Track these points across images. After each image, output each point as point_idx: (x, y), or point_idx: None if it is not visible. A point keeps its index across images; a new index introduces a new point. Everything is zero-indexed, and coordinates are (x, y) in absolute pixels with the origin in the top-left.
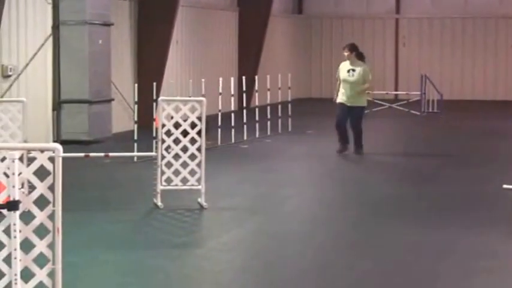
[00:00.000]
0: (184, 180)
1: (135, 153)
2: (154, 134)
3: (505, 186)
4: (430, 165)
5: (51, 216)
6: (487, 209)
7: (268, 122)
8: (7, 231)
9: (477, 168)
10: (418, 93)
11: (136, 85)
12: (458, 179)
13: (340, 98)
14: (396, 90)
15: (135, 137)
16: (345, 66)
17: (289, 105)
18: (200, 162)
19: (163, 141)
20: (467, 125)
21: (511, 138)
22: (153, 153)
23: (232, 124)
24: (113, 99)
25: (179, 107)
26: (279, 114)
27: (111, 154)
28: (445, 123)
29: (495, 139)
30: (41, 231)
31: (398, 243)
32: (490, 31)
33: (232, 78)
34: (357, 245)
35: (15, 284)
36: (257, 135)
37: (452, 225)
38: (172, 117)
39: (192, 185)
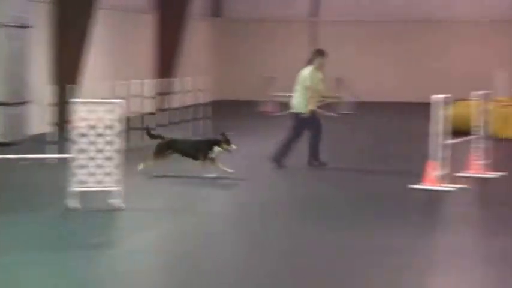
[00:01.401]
0: (101, 182)
1: (50, 155)
2: (70, 136)
3: (411, 185)
4: (340, 165)
5: None
6: (394, 208)
7: (187, 124)
8: None
9: (386, 168)
10: (334, 95)
11: (52, 87)
12: (367, 179)
13: (313, 106)
14: None
15: (51, 139)
16: (316, 75)
17: (207, 108)
18: (116, 163)
19: (78, 142)
20: (380, 126)
21: (420, 139)
22: (69, 155)
23: (151, 126)
24: (30, 101)
25: (95, 109)
26: (198, 116)
27: (26, 156)
28: (360, 125)
29: (406, 139)
30: None
31: (309, 242)
32: (405, 34)
33: (150, 81)
34: (273, 243)
35: None
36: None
37: (362, 225)
38: (89, 120)
39: (109, 186)
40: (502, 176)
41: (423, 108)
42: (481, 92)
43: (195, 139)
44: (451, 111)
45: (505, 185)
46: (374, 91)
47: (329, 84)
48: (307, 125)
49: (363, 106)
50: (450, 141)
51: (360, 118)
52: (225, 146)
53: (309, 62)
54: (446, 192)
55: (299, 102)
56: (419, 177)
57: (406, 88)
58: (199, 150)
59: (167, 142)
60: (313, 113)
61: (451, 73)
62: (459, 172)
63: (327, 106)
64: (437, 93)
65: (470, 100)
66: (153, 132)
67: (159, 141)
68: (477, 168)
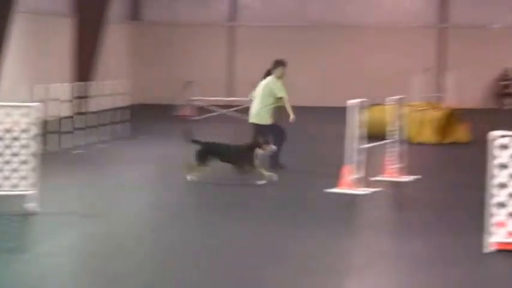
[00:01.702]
0: (16, 186)
1: None
2: None
3: (327, 190)
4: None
5: None
6: (312, 213)
7: (105, 128)
8: None
9: (303, 173)
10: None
11: None
12: (287, 184)
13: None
14: (231, 96)
15: None
16: (281, 84)
17: (125, 111)
18: (32, 167)
19: None
20: (299, 131)
21: (337, 143)
22: None
23: (68, 129)
24: None
25: (11, 112)
26: (116, 119)
27: None
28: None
29: (323, 143)
30: None
31: (228, 245)
32: (325, 39)
33: (68, 84)
34: (191, 245)
35: None
36: (93, 140)
37: (277, 229)
38: (5, 123)
39: (24, 190)
40: (416, 179)
41: (342, 113)
42: (395, 97)
43: (234, 144)
44: (366, 115)
45: (419, 188)
46: (293, 96)
47: (247, 88)
48: (270, 132)
49: (281, 110)
50: (365, 145)
51: (278, 122)
52: (266, 147)
53: (268, 73)
54: (361, 195)
55: (260, 112)
56: (335, 181)
57: (326, 93)
58: (242, 155)
59: (207, 148)
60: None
61: (372, 78)
62: (374, 176)
63: (244, 110)
64: (357, 98)
65: (385, 105)
66: (194, 137)
67: (198, 146)
68: (392, 172)
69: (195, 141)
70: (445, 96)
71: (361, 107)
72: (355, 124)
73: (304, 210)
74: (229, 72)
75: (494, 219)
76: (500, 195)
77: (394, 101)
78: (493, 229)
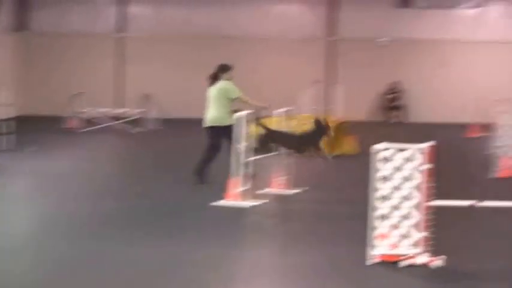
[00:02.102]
0: None
1: None
2: None
3: (213, 203)
4: (142, 180)
5: None
6: (197, 227)
7: None
8: None
9: (189, 185)
10: (141, 110)
11: None
12: (171, 196)
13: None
14: (119, 108)
15: None
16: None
17: (10, 123)
18: None
19: None
20: (187, 143)
21: (227, 154)
22: None
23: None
24: None
25: None
26: (1, 131)
27: None
28: (166, 141)
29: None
30: None
31: (106, 260)
32: (215, 50)
33: None
34: (66, 260)
35: None
36: None
37: (163, 243)
38: None
39: None
40: (303, 191)
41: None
42: (283, 109)
43: (296, 132)
44: (254, 128)
45: (305, 200)
46: (183, 107)
47: (136, 100)
48: (225, 136)
49: (170, 122)
50: (252, 157)
51: (166, 134)
52: (328, 132)
53: (215, 78)
54: (248, 208)
55: (219, 114)
56: (222, 193)
57: None
58: (308, 141)
59: (269, 134)
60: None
61: (262, 90)
62: (262, 188)
63: (133, 122)
64: (245, 110)
65: (273, 117)
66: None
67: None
68: (279, 184)
69: (262, 126)
70: (333, 109)
71: (248, 119)
72: (242, 136)
73: (188, 222)
74: (118, 84)
75: (377, 232)
76: (382, 208)
77: (282, 114)
78: (375, 241)
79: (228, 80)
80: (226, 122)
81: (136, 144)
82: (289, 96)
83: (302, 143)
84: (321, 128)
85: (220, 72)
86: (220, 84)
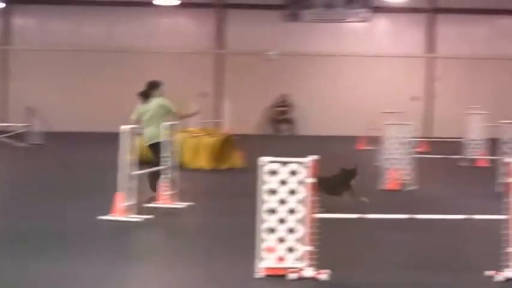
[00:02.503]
0: None
1: None
2: None
3: (100, 217)
4: (26, 196)
5: None
6: (83, 241)
7: None
8: None
9: (75, 200)
10: (25, 124)
11: None
12: (57, 211)
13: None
14: (4, 122)
15: None
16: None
17: None
18: None
19: None
20: (72, 156)
21: (112, 170)
22: None
23: None
24: None
25: None
26: None
27: None
28: (51, 155)
29: (98, 170)
30: None
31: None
32: (98, 64)
33: None
34: None
35: None
36: None
37: (49, 258)
38: None
39: None
40: (190, 205)
41: (118, 139)
42: (168, 123)
43: (329, 175)
44: (139, 141)
45: (191, 214)
46: (67, 121)
47: (19, 113)
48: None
49: (55, 136)
50: (137, 171)
51: (51, 149)
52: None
53: (146, 95)
54: (133, 223)
55: (159, 132)
56: (109, 208)
57: (101, 118)
58: (343, 184)
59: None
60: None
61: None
62: (149, 202)
63: (17, 136)
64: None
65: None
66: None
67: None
68: (165, 199)
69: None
70: (222, 122)
71: (133, 132)
72: (127, 150)
73: (74, 237)
74: (2, 97)
75: (264, 245)
76: (270, 221)
77: (168, 127)
78: (263, 254)
79: (160, 96)
80: (159, 139)
81: (20, 159)
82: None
83: (341, 186)
84: (349, 172)
85: (151, 89)
86: (158, 101)
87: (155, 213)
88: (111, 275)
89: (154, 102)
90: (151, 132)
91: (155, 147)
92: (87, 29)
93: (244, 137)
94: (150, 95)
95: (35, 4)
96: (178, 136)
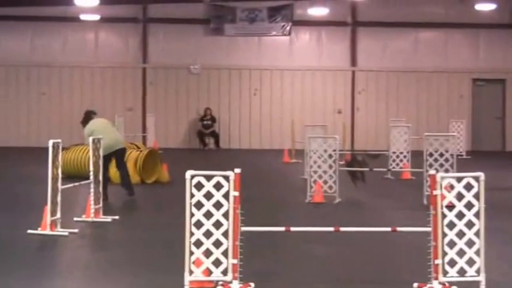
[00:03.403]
0: None
1: None
2: None
3: (29, 231)
4: None
5: None
6: (11, 254)
7: None
8: None
9: (3, 213)
10: None
11: None
12: None
13: None
14: None
15: None
16: None
17: None
18: None
19: None
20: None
21: (41, 183)
22: None
23: None
24: None
25: None
26: None
27: None
28: None
29: (29, 185)
30: None
31: None
32: (22, 79)
33: None
34: None
35: None
36: None
37: None
38: None
39: None
40: (115, 219)
41: (44, 153)
42: (93, 137)
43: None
44: (67, 155)
45: (116, 228)
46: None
47: None
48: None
49: None
50: (64, 186)
51: None
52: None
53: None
54: (60, 237)
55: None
56: (39, 222)
57: (27, 133)
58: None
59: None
60: None
61: (72, 118)
62: (76, 216)
63: None
64: (57, 138)
65: (85, 145)
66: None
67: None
68: (93, 212)
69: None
70: (145, 137)
71: (58, 147)
72: (54, 164)
73: (4, 252)
74: None
75: (193, 258)
76: (197, 234)
77: (93, 141)
78: (192, 267)
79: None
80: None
81: None
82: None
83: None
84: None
85: (92, 114)
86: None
87: (81, 227)
88: (36, 285)
89: (101, 119)
90: (120, 138)
91: (123, 151)
92: (10, 43)
93: (170, 150)
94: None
95: None
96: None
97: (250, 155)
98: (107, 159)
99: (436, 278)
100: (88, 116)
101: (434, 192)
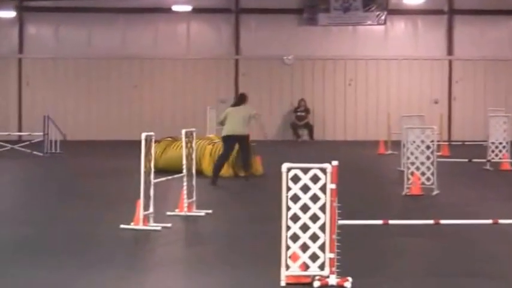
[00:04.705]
0: None
1: None
2: None
3: (122, 226)
4: (54, 205)
5: None
6: (105, 250)
7: None
8: None
9: (96, 208)
10: (41, 133)
11: None
12: (77, 220)
13: None
14: (20, 131)
15: None
16: None
17: None
18: None
19: None
20: (90, 165)
21: (132, 177)
22: None
23: None
24: None
25: None
26: None
27: None
28: (68, 164)
29: (119, 179)
30: None
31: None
32: (113, 72)
33: None
34: None
35: None
36: None
37: (69, 266)
38: None
39: None
40: (209, 213)
41: (135, 147)
42: (186, 130)
43: None
44: (159, 149)
45: (210, 222)
46: (83, 129)
47: (37, 122)
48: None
49: (71, 145)
50: (157, 179)
51: (69, 158)
52: None
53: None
54: (153, 231)
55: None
56: (131, 216)
57: (118, 126)
58: None
59: None
60: None
61: (163, 111)
62: (170, 210)
63: (34, 145)
64: (149, 131)
65: (177, 138)
66: None
67: None
68: (187, 206)
69: None
70: None
71: (151, 140)
72: (147, 158)
73: (96, 246)
74: (17, 106)
75: (289, 252)
76: (293, 228)
77: (185, 134)
78: (288, 262)
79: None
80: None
81: (38, 168)
82: (195, 117)
83: None
84: None
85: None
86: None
87: (175, 221)
88: (125, 284)
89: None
90: (241, 128)
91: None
92: (101, 36)
93: (263, 142)
94: (240, 103)
95: (47, 12)
96: (197, 143)
97: (344, 147)
98: (225, 142)
99: None
100: (240, 99)
101: None
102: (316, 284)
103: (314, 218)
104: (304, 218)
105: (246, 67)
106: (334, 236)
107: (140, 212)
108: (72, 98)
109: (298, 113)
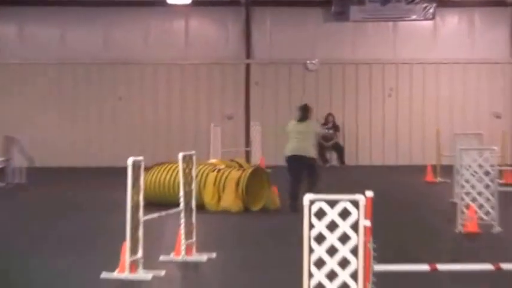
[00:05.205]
0: None
1: None
2: None
3: (104, 274)
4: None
5: None
6: None
7: None
8: None
9: (72, 251)
10: (1, 159)
11: None
12: (45, 271)
13: None
14: None
15: None
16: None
17: None
18: None
19: None
20: (63, 198)
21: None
22: None
23: None
24: None
25: None
26: None
27: None
28: (36, 196)
29: (98, 214)
30: None
31: None
32: (93, 81)
33: None
34: None
35: None
36: None
37: None
38: None
39: None
40: (210, 258)
41: (120, 174)
42: (183, 153)
43: None
44: (152, 177)
45: (212, 269)
46: (55, 153)
47: None
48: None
49: (41, 173)
50: (148, 216)
51: (38, 188)
52: None
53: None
54: (141, 282)
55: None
56: (115, 262)
57: (99, 149)
58: None
59: None
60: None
61: (156, 130)
62: (164, 254)
63: None
64: (137, 155)
65: (173, 163)
66: None
67: None
68: (181, 250)
69: None
70: (250, 151)
71: (140, 166)
72: (135, 189)
73: None
74: None
75: None
76: (318, 275)
77: (184, 159)
78: None
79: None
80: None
81: None
82: (191, 136)
83: None
84: None
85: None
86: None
87: (169, 268)
88: None
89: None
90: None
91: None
92: (77, 36)
93: (280, 169)
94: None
95: (10, 6)
96: (198, 169)
97: (383, 173)
98: (288, 163)
99: None
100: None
101: None
102: None
103: (343, 263)
104: (331, 263)
105: (259, 74)
106: (369, 285)
107: (126, 257)
108: (41, 113)
109: (326, 131)
